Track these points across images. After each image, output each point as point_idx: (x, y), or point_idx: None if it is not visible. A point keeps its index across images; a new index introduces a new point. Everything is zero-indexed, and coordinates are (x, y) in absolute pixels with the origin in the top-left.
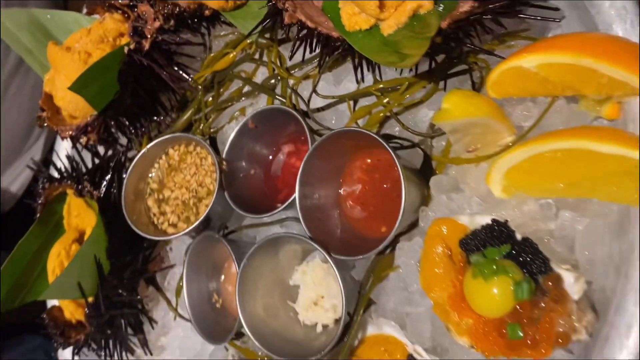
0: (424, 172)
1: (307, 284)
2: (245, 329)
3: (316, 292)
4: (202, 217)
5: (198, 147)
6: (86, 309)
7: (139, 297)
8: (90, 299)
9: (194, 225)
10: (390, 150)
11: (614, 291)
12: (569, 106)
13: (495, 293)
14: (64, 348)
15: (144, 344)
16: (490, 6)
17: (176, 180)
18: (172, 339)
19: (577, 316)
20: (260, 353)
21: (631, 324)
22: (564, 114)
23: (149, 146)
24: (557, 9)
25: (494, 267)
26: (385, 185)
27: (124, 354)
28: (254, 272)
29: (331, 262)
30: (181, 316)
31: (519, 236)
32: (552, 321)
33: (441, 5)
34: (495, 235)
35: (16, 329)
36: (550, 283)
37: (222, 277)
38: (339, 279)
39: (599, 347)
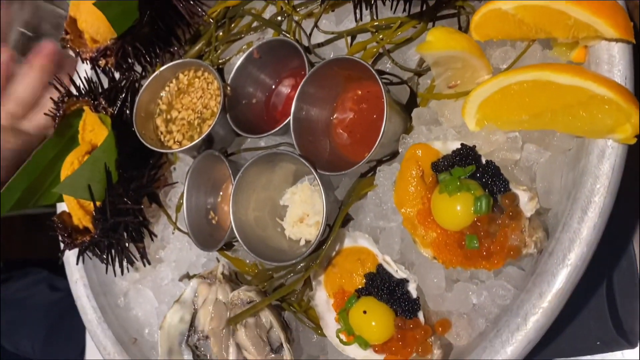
0: (409, 108)
1: (295, 202)
2: (236, 234)
3: (302, 210)
4: (204, 134)
5: (206, 73)
6: (94, 212)
7: (142, 206)
8: (98, 203)
9: (196, 141)
10: (377, 77)
11: (563, 213)
12: (543, 52)
13: (457, 207)
14: (70, 249)
15: (143, 255)
16: None
17: (183, 102)
18: (169, 252)
19: (529, 232)
20: (248, 261)
21: (573, 239)
22: (538, 58)
23: (162, 69)
24: None
25: (458, 183)
26: (373, 116)
27: (124, 262)
28: (248, 185)
29: (316, 177)
30: (179, 229)
31: (483, 160)
32: (506, 235)
33: None
34: (463, 158)
35: (22, 264)
36: (507, 201)
37: (220, 196)
38: (322, 192)
39: (544, 261)
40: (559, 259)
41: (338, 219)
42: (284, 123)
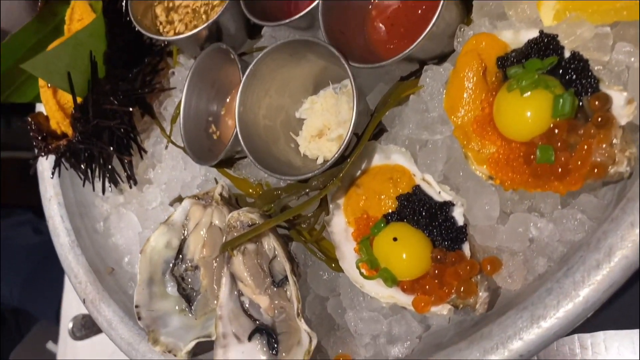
0: (468, 4)
1: (315, 113)
2: (240, 139)
3: (323, 121)
4: (210, 21)
5: None
6: (73, 111)
7: (131, 109)
8: (78, 99)
9: (200, 28)
10: None
11: None
12: None
13: (530, 108)
14: (44, 154)
15: (130, 175)
16: None
17: None
18: (160, 172)
19: (620, 146)
20: (252, 180)
21: None
22: None
23: None
24: None
25: (535, 77)
26: (422, 6)
27: (107, 180)
28: (261, 84)
29: (348, 69)
30: (174, 143)
31: (567, 53)
32: (590, 148)
33: None
34: (541, 49)
35: (10, 207)
36: (596, 103)
37: (224, 106)
38: (354, 87)
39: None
40: None
41: (369, 127)
42: (310, 7)
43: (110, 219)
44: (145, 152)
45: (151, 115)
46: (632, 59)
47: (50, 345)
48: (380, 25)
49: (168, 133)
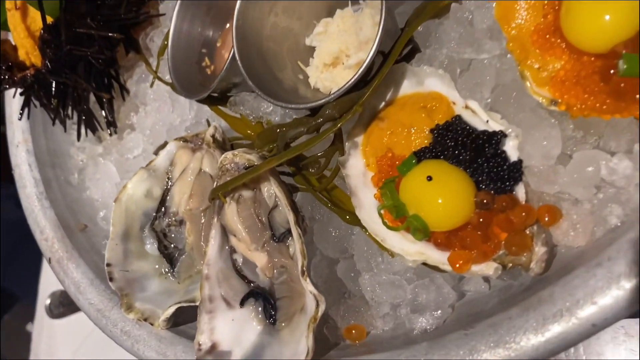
0: None
1: (331, 36)
2: (237, 58)
3: (340, 46)
4: None
5: None
6: (42, 31)
7: (113, 35)
8: (48, 19)
9: None
10: None
11: None
12: None
13: (613, 6)
14: (8, 87)
15: (110, 120)
16: None
17: None
18: (144, 116)
19: None
20: (252, 119)
21: None
22: None
23: None
24: None
25: None
26: None
27: (82, 124)
28: (257, 10)
29: None
30: (160, 79)
31: None
32: None
33: None
34: None
35: None
36: None
37: (220, 37)
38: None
39: None
40: None
41: (398, 43)
42: None
43: (87, 170)
44: (128, 91)
45: (136, 50)
46: None
47: (29, 326)
48: None
49: (155, 68)
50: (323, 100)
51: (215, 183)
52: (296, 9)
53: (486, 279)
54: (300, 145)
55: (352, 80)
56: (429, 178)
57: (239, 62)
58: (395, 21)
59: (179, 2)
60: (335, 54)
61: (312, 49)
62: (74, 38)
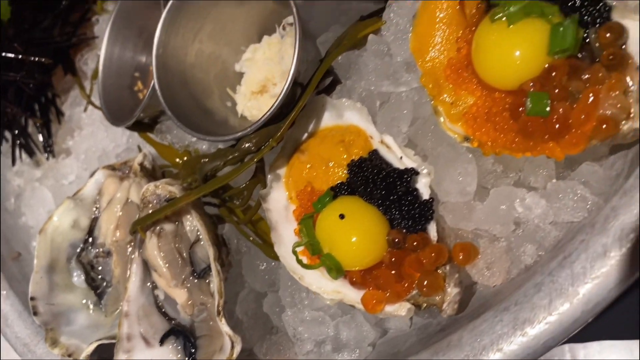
0: None
1: (257, 64)
2: (157, 89)
3: (266, 73)
4: None
5: None
6: None
7: (42, 60)
8: None
9: None
10: None
11: None
12: None
13: (520, 43)
14: None
15: (48, 142)
16: None
17: None
18: (79, 140)
19: (636, 94)
20: (178, 147)
21: None
22: None
23: None
24: None
25: (524, 3)
26: None
27: (16, 148)
28: (188, 22)
29: (293, 5)
30: (92, 104)
31: None
32: (598, 97)
33: None
34: None
35: None
36: (607, 35)
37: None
38: (297, 24)
39: None
40: None
41: (316, 75)
42: None
43: (24, 196)
44: (63, 114)
45: (72, 72)
46: None
47: None
48: None
49: (88, 92)
50: (239, 134)
51: (137, 215)
52: (224, 35)
53: None
54: (219, 178)
55: (266, 116)
56: (342, 216)
57: (158, 92)
58: (318, 50)
59: (109, 25)
60: (262, 82)
61: (241, 75)
62: (3, 63)
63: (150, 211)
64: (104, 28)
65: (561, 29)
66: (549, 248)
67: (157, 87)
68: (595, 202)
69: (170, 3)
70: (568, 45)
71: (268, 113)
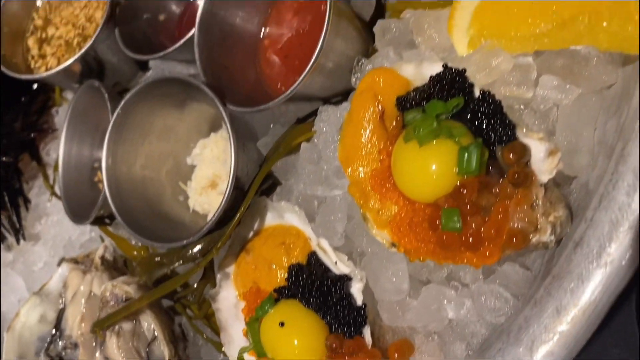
0: (374, 24)
1: (205, 160)
2: (109, 198)
3: (213, 171)
4: (78, 55)
5: None
6: None
7: (9, 159)
8: None
9: (66, 64)
10: None
11: (600, 180)
12: None
13: (431, 163)
14: None
15: (18, 226)
16: None
17: (63, 15)
18: (47, 226)
19: (543, 208)
20: (134, 242)
21: (617, 222)
22: None
23: None
24: None
25: (434, 126)
26: (315, 37)
27: None
28: (134, 129)
29: (223, 113)
30: (56, 195)
31: (477, 90)
32: (507, 212)
33: None
34: (446, 86)
35: None
36: (511, 155)
37: None
38: (231, 137)
39: (566, 256)
40: (591, 254)
41: (255, 181)
42: (186, 37)
43: None
44: (30, 201)
45: (37, 160)
46: (561, 96)
47: None
48: (274, 57)
49: (51, 180)
50: (185, 242)
51: (98, 313)
52: (173, 133)
53: None
54: (166, 283)
55: (209, 224)
56: (281, 324)
57: (109, 200)
58: (257, 151)
59: (65, 122)
60: (211, 178)
61: (193, 168)
62: None
63: (109, 310)
64: (63, 119)
65: (466, 154)
66: (476, 347)
67: (107, 195)
68: (515, 304)
69: (114, 117)
70: (473, 170)
71: (208, 224)
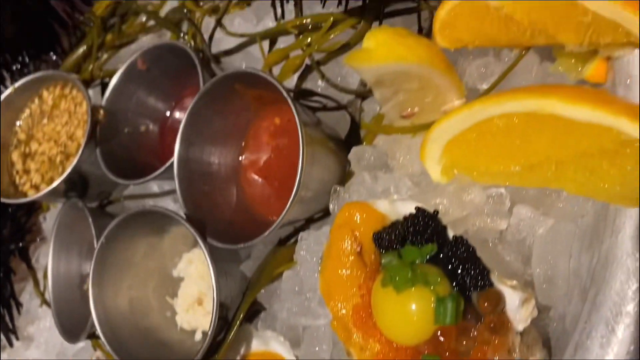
0: (350, 144)
1: (191, 276)
2: (97, 328)
3: (199, 289)
4: (61, 178)
5: (74, 90)
6: None
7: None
8: None
9: (53, 186)
10: (290, 100)
11: (576, 322)
12: (541, 65)
13: (409, 311)
14: None
15: (8, 331)
16: None
17: (45, 131)
18: (40, 329)
19: (521, 353)
20: None
21: None
22: (535, 74)
23: (18, 84)
24: None
25: (410, 274)
26: (296, 156)
27: None
28: (119, 256)
29: (204, 249)
30: (46, 303)
31: (451, 233)
32: (485, 358)
33: None
34: (419, 230)
35: None
36: (486, 304)
37: None
38: (212, 271)
39: None
40: None
41: (239, 310)
42: (166, 165)
43: None
44: (21, 305)
45: (26, 263)
46: (535, 226)
47: None
48: (254, 176)
49: (42, 289)
50: None
51: None
52: (157, 249)
53: None
54: None
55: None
56: None
57: (98, 329)
58: (241, 274)
59: (52, 240)
60: (196, 296)
61: (180, 280)
62: None
63: None
64: (50, 226)
65: (442, 308)
66: None
67: (96, 324)
68: None
69: (96, 252)
70: (449, 322)
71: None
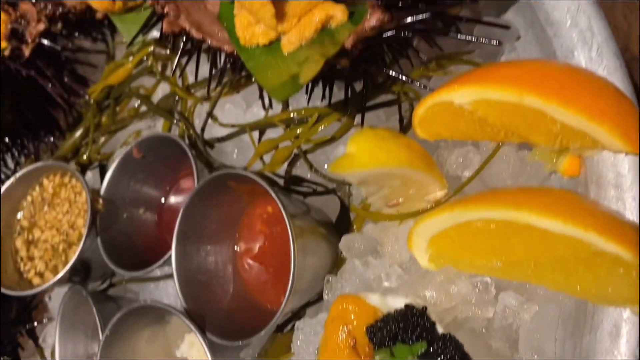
0: (340, 227)
1: (194, 357)
2: None
3: None
4: (67, 268)
5: (73, 179)
6: None
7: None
8: None
9: (57, 278)
10: (275, 195)
11: None
12: (518, 154)
13: None
14: None
15: None
16: (407, 21)
17: (47, 219)
18: None
19: None
20: None
21: None
22: (512, 164)
23: (19, 174)
24: (507, 27)
25: None
26: (288, 243)
27: None
28: (123, 344)
29: (204, 345)
30: None
31: (440, 329)
32: None
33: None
34: (409, 326)
35: None
36: None
37: None
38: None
39: None
40: None
41: None
42: (164, 258)
43: None
44: None
45: (35, 343)
46: (520, 313)
47: None
48: (250, 262)
49: None
50: None
51: None
52: (160, 335)
53: None
54: None
55: None
56: None
57: None
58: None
59: (57, 328)
60: None
61: None
62: None
63: None
64: (55, 306)
65: None
66: None
67: None
68: None
69: (104, 336)
70: None
71: None
